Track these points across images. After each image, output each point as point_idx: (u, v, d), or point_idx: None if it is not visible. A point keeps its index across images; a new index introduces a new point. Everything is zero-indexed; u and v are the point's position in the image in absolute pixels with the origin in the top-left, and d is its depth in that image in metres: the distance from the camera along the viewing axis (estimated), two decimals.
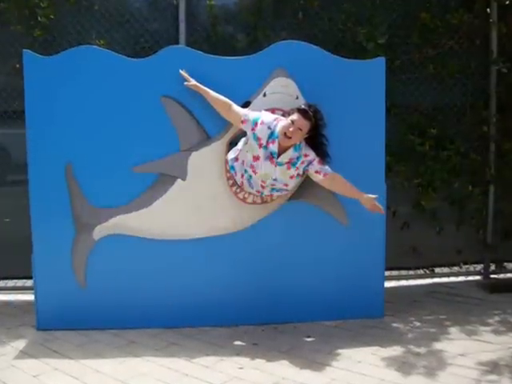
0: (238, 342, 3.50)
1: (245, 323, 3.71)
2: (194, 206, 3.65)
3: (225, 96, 3.46)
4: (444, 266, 4.76)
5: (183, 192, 3.63)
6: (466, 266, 4.77)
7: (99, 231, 3.61)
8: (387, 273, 4.28)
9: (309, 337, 3.56)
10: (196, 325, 3.68)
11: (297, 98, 3.56)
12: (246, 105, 3.57)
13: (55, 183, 3.54)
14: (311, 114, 3.31)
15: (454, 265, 4.75)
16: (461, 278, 4.71)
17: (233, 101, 3.47)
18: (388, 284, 4.30)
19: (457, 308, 4.04)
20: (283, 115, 3.48)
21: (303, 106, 3.34)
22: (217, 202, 3.65)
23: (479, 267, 4.77)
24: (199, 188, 3.64)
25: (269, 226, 3.69)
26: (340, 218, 3.72)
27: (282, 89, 3.58)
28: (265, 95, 3.58)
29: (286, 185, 3.43)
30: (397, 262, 4.49)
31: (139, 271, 3.61)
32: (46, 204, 3.55)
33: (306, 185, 3.60)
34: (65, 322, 3.60)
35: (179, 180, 3.62)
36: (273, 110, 3.55)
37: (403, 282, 4.68)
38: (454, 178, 4.50)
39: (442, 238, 4.58)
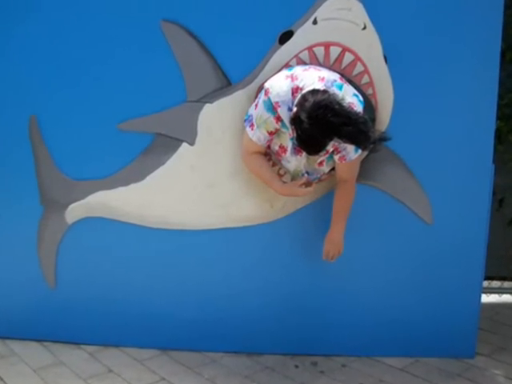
0: None
1: (271, 352, 3.18)
2: (206, 183, 3.05)
3: (257, 23, 2.88)
4: None
5: (190, 162, 3.03)
6: None
7: (74, 211, 3.17)
8: (485, 283, 3.73)
9: None
10: (202, 349, 3.22)
11: (364, 27, 2.85)
12: (286, 35, 2.90)
13: (14, 143, 3.12)
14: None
15: None
16: None
17: (268, 30, 2.88)
18: (485, 300, 3.76)
19: None
20: (342, 74, 2.81)
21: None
22: (239, 177, 3.03)
23: None
24: (214, 157, 3.02)
25: (313, 218, 3.07)
26: (422, 214, 3.07)
27: (342, 13, 2.83)
28: (315, 22, 2.84)
29: (321, 173, 2.98)
30: (500, 269, 4.01)
31: (128, 271, 3.20)
32: (4, 173, 3.15)
33: (371, 165, 3.02)
34: (26, 331, 3.29)
35: (185, 144, 3.02)
36: (327, 45, 2.88)
37: (507, 297, 4.03)
38: None
39: None
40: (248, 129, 2.87)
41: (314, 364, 3.15)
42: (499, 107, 3.18)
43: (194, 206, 3.12)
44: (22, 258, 3.23)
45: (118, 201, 3.15)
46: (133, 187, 3.12)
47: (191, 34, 2.94)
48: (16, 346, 3.26)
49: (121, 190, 3.13)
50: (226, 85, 2.99)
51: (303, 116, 2.52)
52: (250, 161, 2.97)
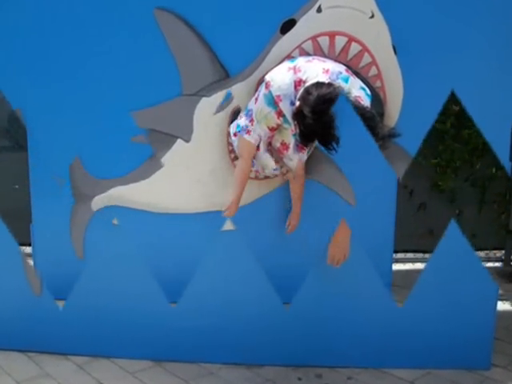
0: None
1: (272, 363, 3.07)
2: (201, 180, 3.14)
3: (257, 12, 2.85)
4: None
5: (187, 160, 3.10)
6: (486, 252, 4.72)
7: (98, 202, 3.36)
8: (401, 255, 4.57)
9: None
10: (199, 360, 3.12)
11: (372, 16, 2.82)
12: (288, 24, 2.88)
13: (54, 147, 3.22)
14: None
15: None
16: None
17: (268, 19, 2.86)
18: (502, 307, 3.61)
19: None
20: (348, 66, 2.77)
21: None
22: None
23: (500, 254, 4.73)
24: (212, 155, 3.07)
25: (316, 220, 3.03)
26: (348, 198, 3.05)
27: (348, 1, 2.81)
28: (319, 10, 2.81)
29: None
30: (412, 244, 4.55)
31: (119, 277, 3.13)
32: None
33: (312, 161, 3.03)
34: (9, 341, 3.22)
35: (180, 141, 3.07)
36: (332, 35, 2.83)
37: (418, 265, 4.48)
38: (476, 158, 4.40)
39: (461, 222, 4.27)
40: (245, 136, 2.83)
41: (319, 376, 3.04)
42: None
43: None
44: (6, 264, 3.17)
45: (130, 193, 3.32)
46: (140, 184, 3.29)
47: (186, 23, 2.91)
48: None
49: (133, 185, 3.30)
50: (224, 77, 2.98)
51: (306, 111, 2.46)
52: (241, 163, 2.92)
